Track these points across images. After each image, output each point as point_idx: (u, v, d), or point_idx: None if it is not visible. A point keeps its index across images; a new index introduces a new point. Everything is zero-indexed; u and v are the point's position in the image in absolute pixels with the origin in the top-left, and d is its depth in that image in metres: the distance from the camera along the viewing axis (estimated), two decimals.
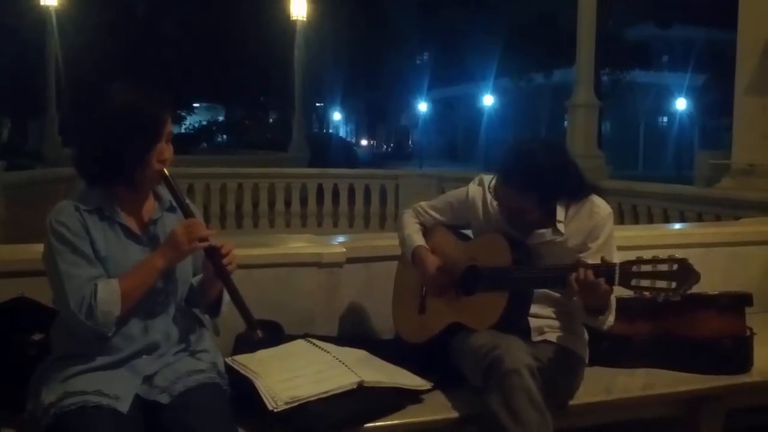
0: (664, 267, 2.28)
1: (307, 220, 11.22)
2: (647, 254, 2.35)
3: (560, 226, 2.65)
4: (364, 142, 50.63)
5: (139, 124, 2.20)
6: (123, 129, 2.19)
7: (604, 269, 2.38)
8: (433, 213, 2.98)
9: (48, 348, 2.31)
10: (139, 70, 19.71)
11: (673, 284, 2.26)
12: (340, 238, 3.58)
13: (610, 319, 2.57)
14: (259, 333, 2.34)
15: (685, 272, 2.26)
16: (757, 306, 3.20)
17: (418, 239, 2.90)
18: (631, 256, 2.39)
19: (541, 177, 2.55)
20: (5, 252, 3.14)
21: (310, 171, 13.20)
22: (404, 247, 2.94)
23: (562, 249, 2.63)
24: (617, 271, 2.35)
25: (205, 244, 2.25)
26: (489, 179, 2.74)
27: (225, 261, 2.27)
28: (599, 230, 2.64)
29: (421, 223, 2.98)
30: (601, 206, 2.69)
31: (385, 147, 52.08)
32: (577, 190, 2.67)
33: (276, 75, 23.29)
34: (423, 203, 3.03)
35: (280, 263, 3.14)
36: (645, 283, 2.29)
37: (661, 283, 2.27)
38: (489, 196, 2.77)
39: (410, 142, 52.49)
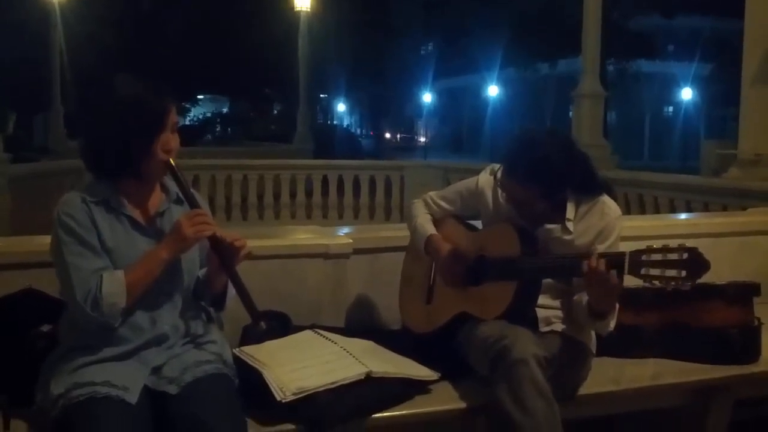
0: (674, 256, 2.26)
1: (312, 212, 11.22)
2: (656, 244, 2.33)
3: (569, 225, 2.62)
4: (387, 135, 50.55)
5: (141, 115, 2.19)
6: (126, 120, 2.18)
7: (614, 258, 2.37)
8: (442, 203, 2.96)
9: (56, 339, 2.31)
10: (143, 62, 19.72)
11: (683, 273, 2.24)
12: (346, 230, 3.58)
13: (611, 324, 2.57)
14: (263, 325, 2.34)
15: (695, 261, 2.25)
16: (765, 296, 3.20)
17: (431, 228, 2.88)
18: (640, 246, 2.37)
19: (542, 169, 2.52)
20: (13, 244, 3.14)
21: (315, 162, 13.20)
22: (416, 236, 2.92)
23: (569, 247, 2.61)
24: (627, 260, 2.34)
25: (210, 233, 2.25)
26: (499, 169, 2.72)
27: (236, 245, 2.27)
28: (609, 232, 2.62)
29: (431, 214, 2.96)
30: (612, 207, 2.66)
31: (390, 137, 52.05)
32: (585, 185, 2.64)
33: (280, 67, 23.26)
34: (432, 193, 3.01)
35: (286, 254, 3.13)
36: (655, 272, 2.27)
37: (671, 272, 2.25)
38: None
39: (414, 135, 52.53)
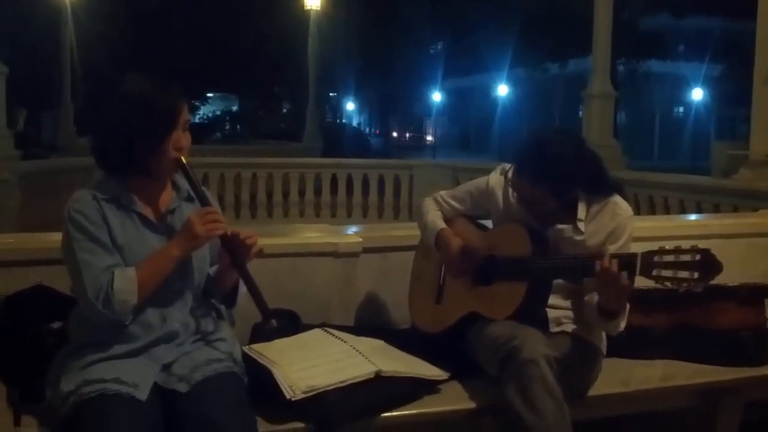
0: (686, 257, 2.25)
1: (321, 211, 11.22)
2: (668, 245, 2.32)
3: (581, 225, 2.61)
4: (395, 134, 50.52)
5: (152, 114, 2.19)
6: (137, 118, 2.19)
7: (626, 259, 2.36)
8: (452, 202, 2.95)
9: (66, 336, 2.32)
10: (152, 59, 19.77)
11: (696, 275, 2.24)
12: (356, 228, 3.57)
13: (621, 325, 2.56)
14: (274, 322, 2.34)
15: (708, 263, 2.24)
16: None
17: (441, 224, 2.88)
18: (650, 246, 2.36)
19: (551, 168, 2.51)
20: (23, 240, 3.15)
21: (324, 161, 13.17)
22: (426, 231, 2.91)
23: (580, 248, 2.60)
24: (639, 261, 2.33)
25: (221, 231, 2.25)
26: (510, 168, 2.71)
27: (248, 243, 2.27)
28: (620, 232, 2.61)
29: (441, 212, 2.96)
30: (623, 207, 2.65)
31: (399, 136, 52.11)
32: (596, 184, 2.63)
33: (290, 65, 23.32)
34: (442, 192, 3.01)
35: (296, 253, 3.13)
36: (667, 273, 2.27)
37: (683, 274, 2.25)
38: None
39: (423, 134, 52.57)
